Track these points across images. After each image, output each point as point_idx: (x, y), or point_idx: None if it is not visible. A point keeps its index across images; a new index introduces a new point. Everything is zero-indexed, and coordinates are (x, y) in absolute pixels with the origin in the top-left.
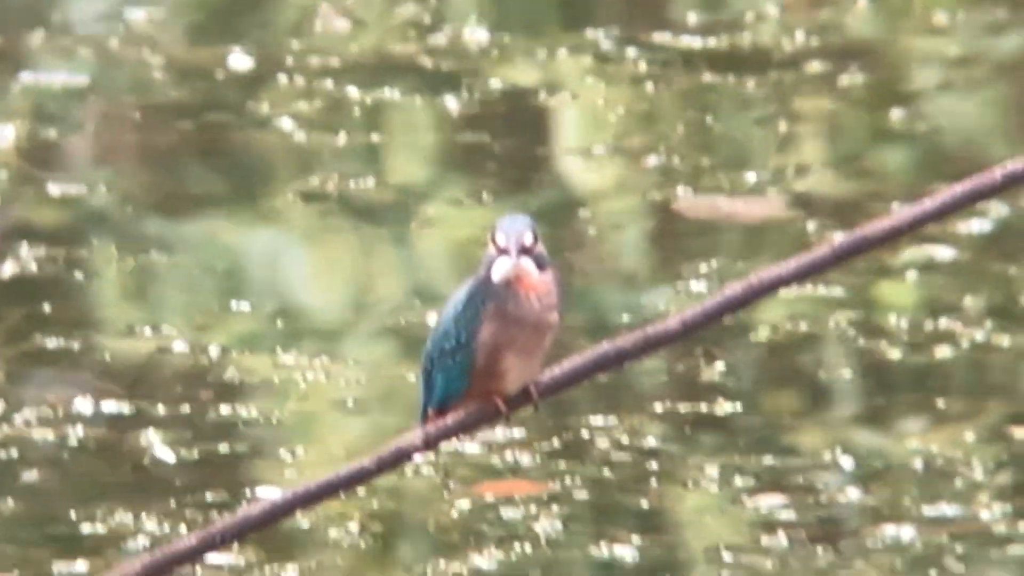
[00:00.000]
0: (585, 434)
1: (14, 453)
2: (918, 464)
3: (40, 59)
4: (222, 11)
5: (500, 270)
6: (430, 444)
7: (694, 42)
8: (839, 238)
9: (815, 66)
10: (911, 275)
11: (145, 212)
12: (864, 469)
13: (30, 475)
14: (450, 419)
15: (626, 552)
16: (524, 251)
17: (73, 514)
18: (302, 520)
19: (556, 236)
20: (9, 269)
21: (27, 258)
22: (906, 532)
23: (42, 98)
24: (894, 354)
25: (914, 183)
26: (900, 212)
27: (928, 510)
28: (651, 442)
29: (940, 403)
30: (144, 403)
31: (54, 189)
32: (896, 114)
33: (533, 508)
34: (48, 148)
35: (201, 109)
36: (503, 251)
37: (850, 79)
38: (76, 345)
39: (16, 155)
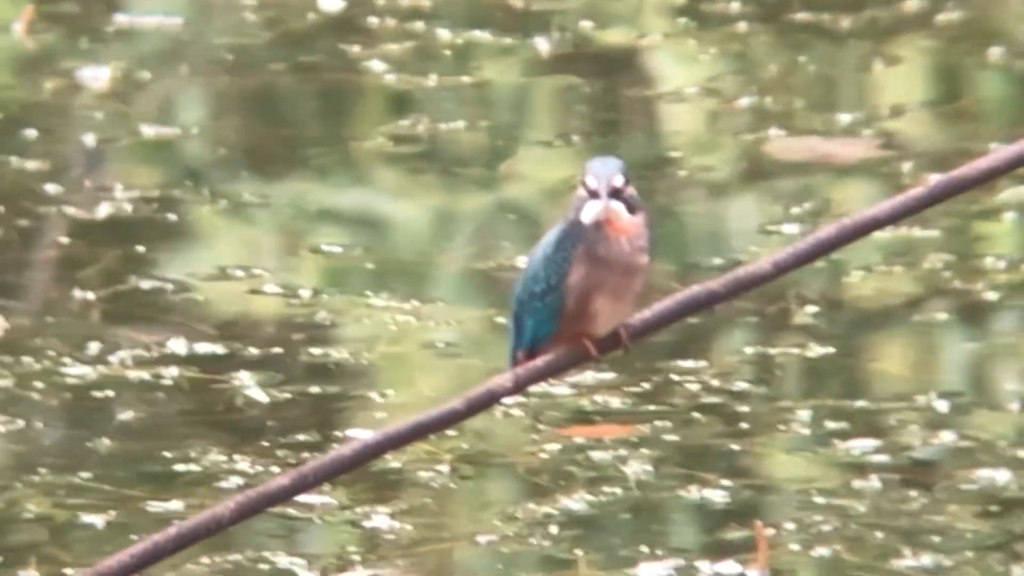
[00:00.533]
0: (675, 377)
1: (109, 393)
2: (1014, 405)
3: (134, 1)
4: None
5: (590, 212)
6: (520, 386)
7: None
8: (935, 179)
9: (911, 3)
10: (1009, 216)
11: (238, 154)
12: (958, 411)
13: (125, 415)
14: (540, 361)
15: (716, 495)
16: (614, 193)
17: (167, 454)
18: (393, 461)
19: (647, 178)
20: (105, 210)
21: (122, 199)
22: (1001, 475)
23: (136, 40)
24: (990, 295)
25: (1013, 123)
26: (997, 152)
27: (1023, 452)
28: (741, 385)
29: None
30: (237, 344)
31: (148, 131)
32: (994, 52)
33: (623, 451)
34: (143, 90)
35: (293, 51)
36: (593, 193)
37: (947, 17)
38: (170, 286)
39: (111, 97)
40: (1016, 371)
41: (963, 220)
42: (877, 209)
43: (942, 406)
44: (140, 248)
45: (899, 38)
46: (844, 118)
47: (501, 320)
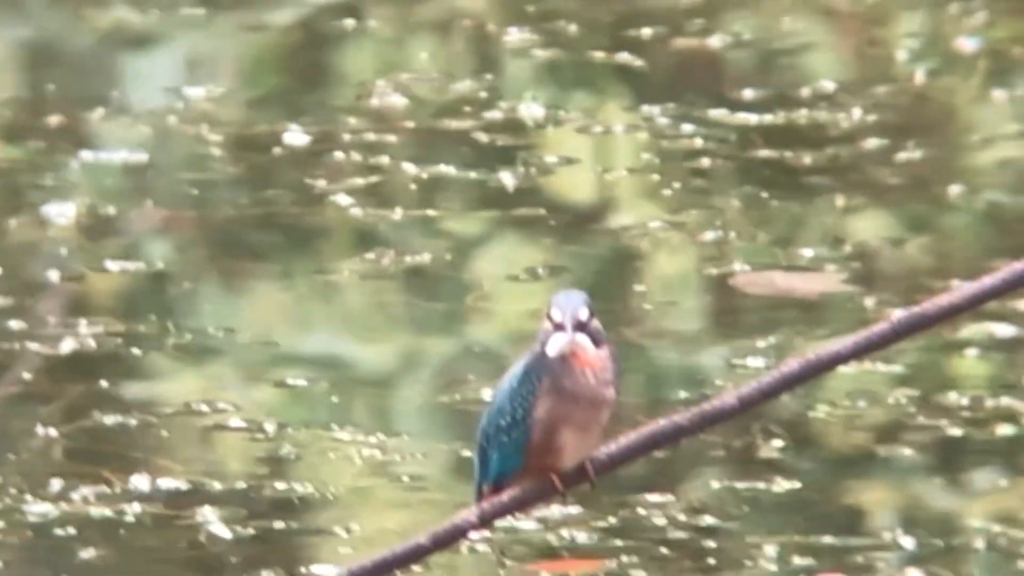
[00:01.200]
0: (642, 511)
1: (72, 531)
2: (980, 544)
3: (100, 137)
4: (280, 88)
5: (555, 345)
6: (485, 521)
7: (750, 118)
8: (898, 314)
9: (872, 142)
10: (972, 352)
11: (202, 289)
12: (926, 549)
13: (87, 552)
14: (506, 496)
15: None
16: (579, 326)
17: None
18: None
19: (612, 311)
20: (68, 345)
21: (86, 334)
22: None
23: (102, 175)
24: (955, 431)
25: (974, 260)
26: (960, 289)
27: None
28: (708, 520)
29: (1002, 481)
30: (200, 480)
31: (113, 266)
32: (955, 190)
33: None
34: (108, 224)
35: (258, 185)
36: (558, 326)
37: (908, 155)
38: (133, 422)
39: (76, 231)
40: (981, 509)
41: (927, 356)
42: (841, 344)
43: (909, 543)
44: (104, 383)
45: (860, 175)
46: (807, 252)
47: (467, 454)
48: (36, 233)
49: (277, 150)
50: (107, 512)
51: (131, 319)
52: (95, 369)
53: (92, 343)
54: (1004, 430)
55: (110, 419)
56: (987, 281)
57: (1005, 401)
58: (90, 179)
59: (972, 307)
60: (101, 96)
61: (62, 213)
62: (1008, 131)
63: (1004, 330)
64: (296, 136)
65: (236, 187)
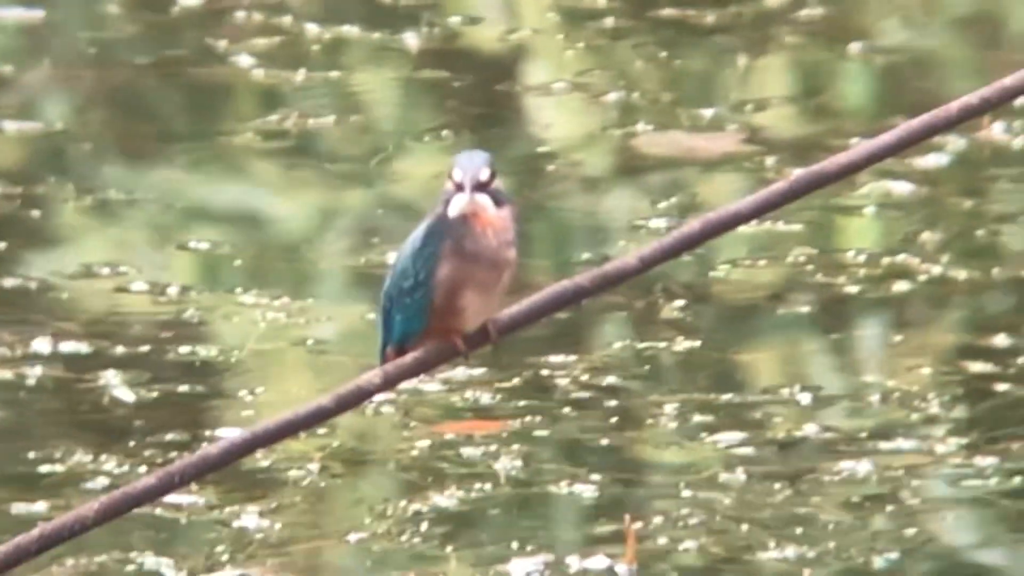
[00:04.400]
0: (545, 372)
1: None
2: (874, 398)
3: None
4: None
5: (456, 206)
6: (389, 383)
7: None
8: (797, 173)
9: (774, 0)
10: (869, 210)
11: (103, 150)
12: (821, 404)
13: None
14: (409, 358)
15: (586, 490)
16: (480, 187)
17: (31, 454)
18: (262, 460)
19: (516, 173)
20: None
21: None
22: (863, 466)
23: None
24: (851, 289)
25: (873, 118)
26: (858, 147)
27: (884, 444)
28: (610, 380)
29: (896, 337)
30: (103, 343)
31: (10, 126)
32: (855, 48)
33: (493, 446)
34: (4, 84)
35: (158, 45)
36: (459, 187)
37: (809, 13)
38: (34, 284)
39: None
40: (876, 364)
41: (825, 214)
42: (740, 204)
43: (805, 399)
44: (2, 245)
45: (762, 34)
46: (708, 113)
47: (371, 317)
48: None
49: (176, 9)
50: (8, 375)
51: (30, 181)
52: None
53: None
54: (899, 287)
55: (10, 282)
56: (884, 138)
57: (900, 258)
58: None
59: (869, 164)
60: None
61: None
62: None
63: (900, 188)
64: None
65: (135, 46)
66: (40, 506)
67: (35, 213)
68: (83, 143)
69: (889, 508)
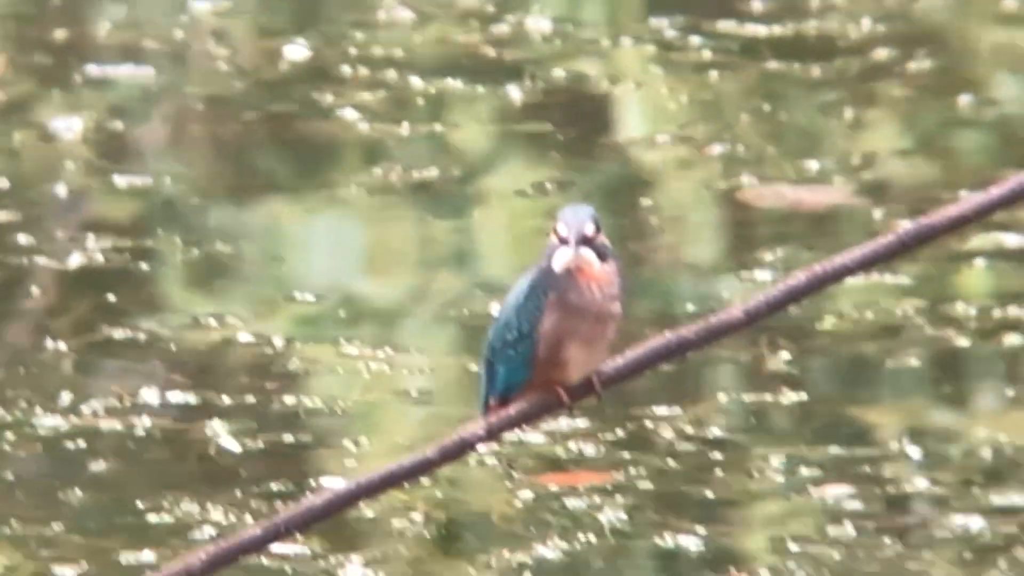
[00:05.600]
0: (649, 424)
1: (82, 444)
2: (987, 453)
3: (106, 52)
4: (286, 2)
5: (561, 259)
6: (493, 434)
7: (759, 30)
8: (905, 226)
9: (882, 53)
10: (979, 262)
11: (210, 202)
12: (932, 458)
13: (97, 465)
14: (513, 409)
15: (690, 542)
16: (585, 241)
17: (140, 504)
18: (366, 510)
19: (620, 226)
20: (77, 260)
21: (94, 249)
22: (975, 522)
23: (108, 90)
24: (962, 342)
25: (983, 170)
26: (968, 199)
27: (997, 499)
28: (715, 432)
29: (1009, 391)
30: (209, 393)
31: (121, 181)
32: (964, 100)
33: (597, 498)
34: (115, 140)
35: (265, 100)
36: (564, 241)
37: (917, 66)
38: (142, 336)
39: (84, 147)
40: (987, 418)
41: (934, 266)
42: (847, 256)
43: (915, 452)
44: (112, 298)
45: (869, 87)
46: (816, 165)
47: (473, 367)
48: (43, 148)
49: (284, 65)
50: (117, 426)
51: (139, 234)
52: (103, 284)
53: (100, 258)
54: (1011, 340)
55: (119, 333)
56: (994, 192)
57: (1012, 311)
58: (97, 93)
59: (979, 218)
60: (107, 10)
61: (69, 127)
62: (1019, 42)
63: (1011, 240)
64: (303, 51)
65: (243, 103)
66: (148, 555)
67: (144, 266)
68: (191, 197)
69: (1003, 564)
